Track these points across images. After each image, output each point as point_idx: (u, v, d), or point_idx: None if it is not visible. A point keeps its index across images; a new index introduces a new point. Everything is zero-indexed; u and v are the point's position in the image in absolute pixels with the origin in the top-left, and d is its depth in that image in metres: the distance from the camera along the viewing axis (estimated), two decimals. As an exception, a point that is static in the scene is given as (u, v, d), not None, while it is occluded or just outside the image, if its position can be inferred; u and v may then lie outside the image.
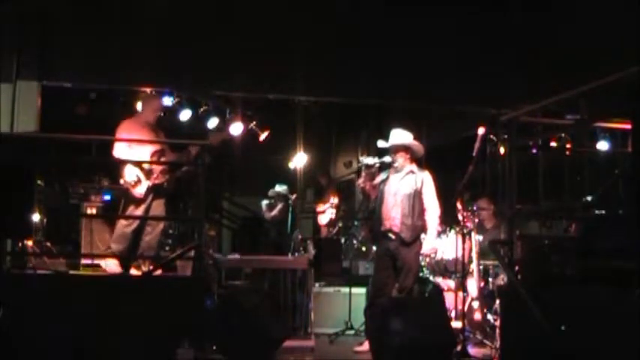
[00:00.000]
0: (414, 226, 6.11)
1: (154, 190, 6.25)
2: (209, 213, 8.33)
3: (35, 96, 6.78)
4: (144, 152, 6.24)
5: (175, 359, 4.92)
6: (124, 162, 6.16)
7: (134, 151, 6.18)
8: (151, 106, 6.44)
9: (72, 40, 6.67)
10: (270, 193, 8.94)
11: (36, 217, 5.98)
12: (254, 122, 8.65)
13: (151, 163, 6.26)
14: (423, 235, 6.22)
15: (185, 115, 8.32)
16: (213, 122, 8.56)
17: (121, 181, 6.18)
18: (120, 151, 6.14)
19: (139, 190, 6.16)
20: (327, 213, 9.42)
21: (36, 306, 4.89)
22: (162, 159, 6.34)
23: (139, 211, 6.21)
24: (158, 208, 6.35)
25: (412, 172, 6.24)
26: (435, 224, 6.19)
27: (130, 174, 6.15)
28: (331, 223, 9.43)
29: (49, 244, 6.42)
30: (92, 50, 6.71)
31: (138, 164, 6.14)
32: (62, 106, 7.74)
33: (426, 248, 6.23)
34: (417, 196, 6.14)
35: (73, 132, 6.26)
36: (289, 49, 6.98)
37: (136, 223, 6.22)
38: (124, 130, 6.19)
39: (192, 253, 5.59)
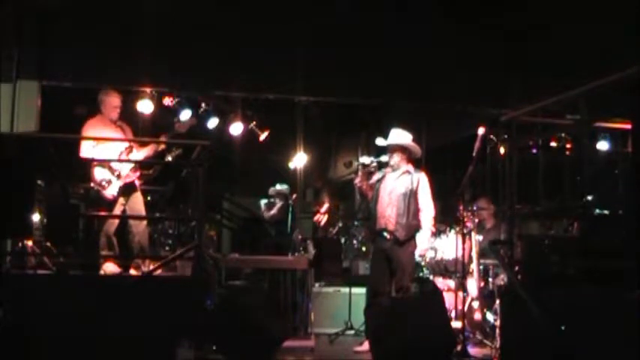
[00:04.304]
0: (408, 225, 6.12)
1: (127, 189, 6.21)
2: (209, 213, 8.32)
3: (35, 96, 6.79)
4: (111, 151, 6.19)
5: (175, 359, 4.92)
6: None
7: (100, 151, 6.13)
8: (109, 103, 6.30)
9: (72, 40, 6.67)
10: (271, 191, 8.93)
11: (36, 217, 5.97)
12: (254, 122, 8.64)
13: (151, 162, 6.27)
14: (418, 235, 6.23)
15: (185, 115, 8.30)
16: (213, 122, 8.55)
17: (91, 184, 6.15)
18: (87, 151, 6.09)
19: (111, 191, 6.13)
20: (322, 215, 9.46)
21: (36, 306, 4.89)
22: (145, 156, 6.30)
23: (116, 212, 6.18)
24: (137, 205, 6.30)
25: (408, 172, 6.27)
26: (429, 225, 6.21)
27: (99, 175, 6.12)
28: (325, 225, 9.48)
29: (49, 244, 6.41)
30: (92, 50, 6.71)
31: (107, 164, 6.11)
32: (62, 106, 7.73)
33: (419, 248, 6.24)
34: (412, 196, 6.16)
35: (73, 132, 6.27)
36: (289, 49, 6.98)
37: (115, 225, 6.20)
38: (89, 129, 6.14)
39: (192, 253, 5.58)
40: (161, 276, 5.68)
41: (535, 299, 4.22)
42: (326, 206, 9.67)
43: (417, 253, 6.29)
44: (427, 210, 6.20)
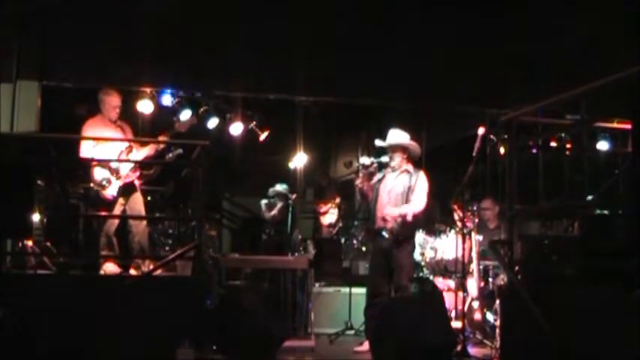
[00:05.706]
0: (406, 224, 6.10)
1: (127, 189, 6.21)
2: (209, 213, 8.32)
3: (35, 96, 6.78)
4: (111, 151, 6.19)
5: (175, 359, 4.92)
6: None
7: (100, 151, 6.13)
8: (109, 103, 6.32)
9: (72, 40, 6.67)
10: (270, 192, 8.93)
11: (36, 217, 5.97)
12: (254, 122, 8.64)
13: (151, 162, 6.26)
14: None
15: (185, 115, 8.29)
16: (213, 122, 8.55)
17: (91, 184, 6.15)
18: (87, 151, 6.10)
19: (111, 192, 6.13)
20: (329, 213, 9.41)
21: (36, 306, 4.89)
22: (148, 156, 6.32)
23: (116, 212, 6.19)
24: (137, 205, 6.31)
25: (407, 171, 6.26)
26: (411, 209, 6.03)
27: (99, 175, 6.12)
28: (333, 224, 9.44)
29: (49, 244, 6.42)
30: (92, 50, 6.71)
31: (107, 165, 6.11)
32: (62, 106, 7.73)
33: (390, 210, 6.07)
34: (410, 195, 6.13)
35: (73, 132, 6.27)
36: (289, 50, 6.98)
37: (115, 225, 6.20)
38: (89, 128, 6.15)
39: (192, 253, 5.58)
40: (161, 276, 5.69)
41: (535, 299, 4.22)
42: (329, 205, 9.62)
43: (385, 213, 6.11)
44: (415, 202, 6.08)
